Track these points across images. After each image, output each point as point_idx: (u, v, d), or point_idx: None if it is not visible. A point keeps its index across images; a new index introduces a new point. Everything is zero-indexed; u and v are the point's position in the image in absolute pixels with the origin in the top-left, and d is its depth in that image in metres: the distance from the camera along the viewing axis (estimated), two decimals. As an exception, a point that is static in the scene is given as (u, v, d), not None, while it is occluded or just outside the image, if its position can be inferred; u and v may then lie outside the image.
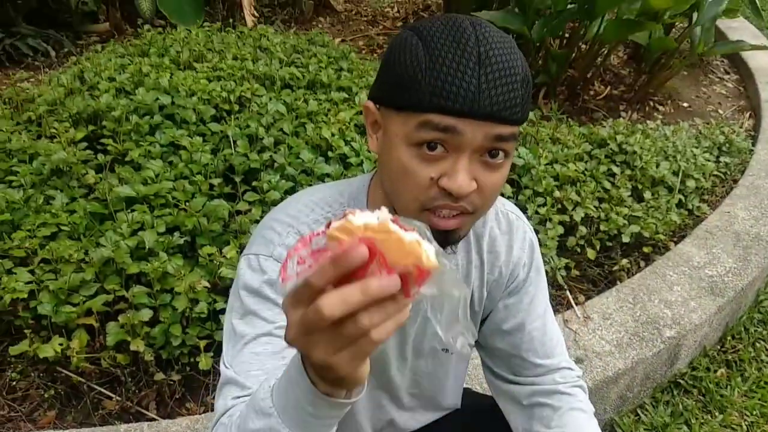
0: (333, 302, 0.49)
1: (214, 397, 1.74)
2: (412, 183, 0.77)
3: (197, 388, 1.77)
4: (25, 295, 1.66)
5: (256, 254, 0.87)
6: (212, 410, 1.70)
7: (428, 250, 0.49)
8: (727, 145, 3.03)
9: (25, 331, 1.65)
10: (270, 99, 2.51)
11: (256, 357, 0.81)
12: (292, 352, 0.78)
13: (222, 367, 0.83)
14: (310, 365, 0.58)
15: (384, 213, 0.51)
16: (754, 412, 2.09)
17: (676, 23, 3.92)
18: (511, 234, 1.03)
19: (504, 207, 1.04)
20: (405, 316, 0.52)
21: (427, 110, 0.73)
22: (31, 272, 1.73)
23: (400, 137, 0.76)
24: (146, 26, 3.29)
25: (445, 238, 0.80)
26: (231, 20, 3.79)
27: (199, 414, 1.69)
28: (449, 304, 0.54)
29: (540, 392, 1.05)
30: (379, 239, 0.49)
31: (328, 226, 0.50)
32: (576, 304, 2.08)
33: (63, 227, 1.86)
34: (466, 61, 0.72)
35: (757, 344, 2.36)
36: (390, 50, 0.79)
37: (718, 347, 2.33)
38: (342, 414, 0.64)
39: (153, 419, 1.66)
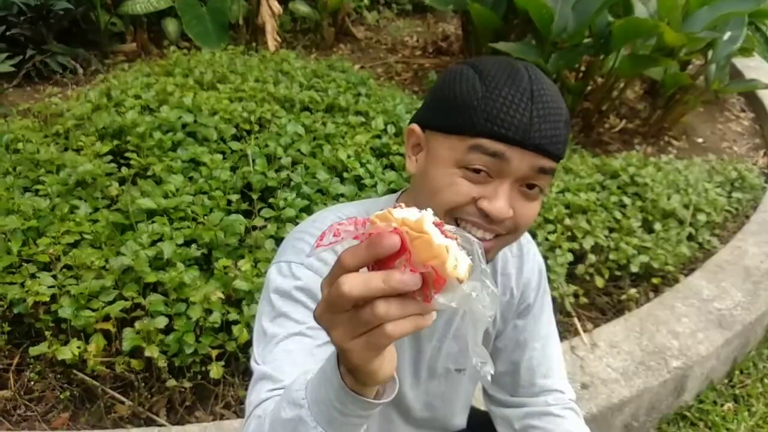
0: (354, 281, 0.52)
1: (224, 407, 1.78)
2: (452, 197, 0.81)
3: (207, 397, 1.80)
4: (47, 299, 1.72)
5: (287, 261, 0.91)
6: (221, 419, 1.75)
7: (459, 260, 0.51)
8: (740, 180, 3.05)
9: (45, 333, 1.70)
10: (289, 120, 2.59)
11: (288, 354, 0.84)
12: (324, 351, 0.84)
13: (253, 364, 0.86)
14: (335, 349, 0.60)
15: (427, 212, 0.53)
16: (761, 448, 2.08)
17: (693, 60, 3.98)
18: (521, 257, 1.08)
19: None
20: (425, 323, 0.54)
21: (480, 134, 0.79)
22: (54, 277, 1.79)
23: (448, 158, 0.82)
24: (172, 47, 3.41)
25: None
26: (254, 44, 3.91)
27: (208, 422, 1.72)
28: (473, 326, 0.56)
29: (531, 414, 1.09)
30: (411, 236, 0.51)
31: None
32: (584, 332, 2.10)
33: (86, 236, 1.93)
34: (521, 95, 0.79)
35: (766, 380, 2.35)
36: (443, 80, 0.85)
37: (726, 381, 2.32)
38: (368, 416, 0.65)
39: (163, 425, 1.70)
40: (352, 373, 0.60)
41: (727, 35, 3.18)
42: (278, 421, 0.69)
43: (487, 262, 0.87)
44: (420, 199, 0.86)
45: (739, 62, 4.68)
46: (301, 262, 0.90)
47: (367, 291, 0.51)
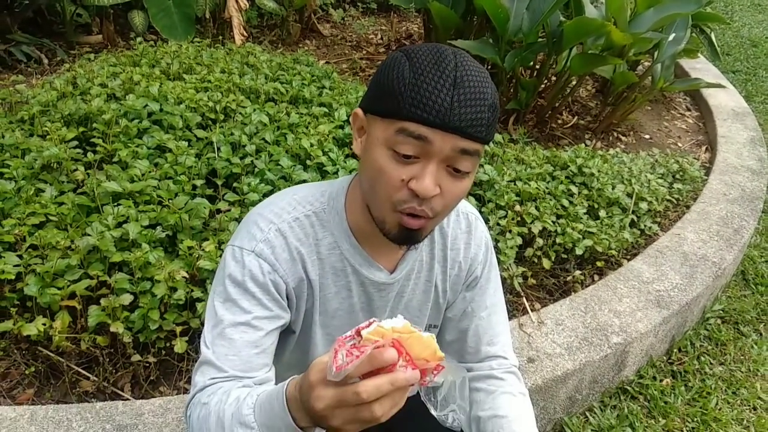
0: (369, 389, 0.66)
1: (187, 382, 1.85)
2: (385, 182, 0.89)
3: (171, 373, 1.87)
4: (13, 277, 1.76)
5: (240, 247, 0.99)
6: (184, 393, 1.81)
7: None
8: (681, 173, 3.24)
9: (11, 310, 1.74)
10: (254, 110, 2.66)
11: (233, 344, 0.94)
12: (267, 339, 0.97)
13: (203, 346, 0.96)
14: (316, 422, 0.74)
15: (401, 319, 0.68)
16: (695, 419, 2.24)
17: (642, 61, 4.18)
18: (470, 233, 1.17)
19: (465, 208, 1.18)
20: (403, 401, 0.69)
21: (406, 118, 0.86)
22: (19, 257, 1.83)
23: (381, 140, 0.89)
24: (138, 39, 3.44)
25: (410, 237, 0.94)
26: (221, 38, 3.96)
27: (172, 396, 1.78)
28: (445, 386, 0.73)
29: (476, 377, 1.19)
30: (404, 338, 0.66)
31: (357, 333, 0.68)
32: (531, 311, 2.23)
33: (51, 217, 1.97)
34: (444, 81, 0.86)
35: (702, 358, 2.52)
36: (382, 66, 0.93)
37: (665, 358, 2.48)
38: None
39: (127, 400, 1.76)
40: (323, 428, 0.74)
41: (671, 36, 3.37)
42: None
43: (420, 240, 0.97)
44: (364, 185, 0.95)
45: (686, 64, 4.93)
46: (252, 249, 0.98)
47: (379, 394, 0.66)
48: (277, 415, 0.77)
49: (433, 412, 0.73)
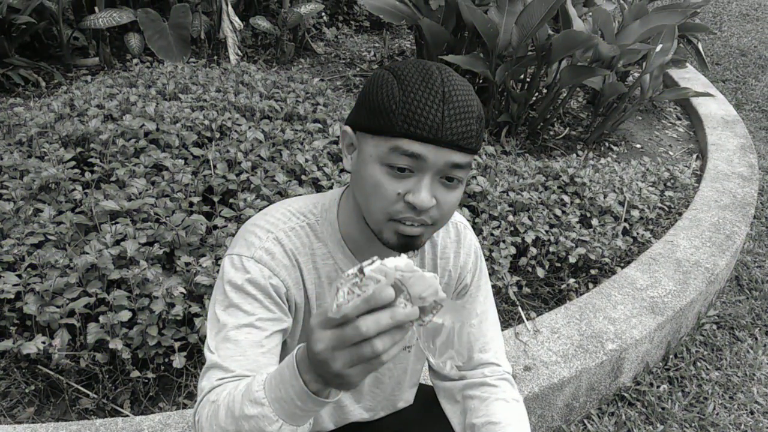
0: (368, 322, 0.65)
1: (186, 397, 1.87)
2: (381, 196, 0.91)
3: (169, 388, 1.88)
4: (12, 296, 1.78)
5: (239, 255, 1.01)
6: (183, 408, 1.83)
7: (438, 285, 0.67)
8: (672, 180, 3.28)
9: (11, 329, 1.76)
10: (249, 128, 2.70)
11: (238, 345, 0.94)
12: (271, 341, 0.97)
13: (207, 352, 0.96)
14: (321, 374, 0.71)
15: (404, 258, 0.67)
16: (693, 424, 2.25)
17: (631, 71, 4.24)
18: (459, 242, 1.19)
19: (453, 217, 1.20)
20: (405, 342, 0.68)
21: (398, 135, 0.88)
22: (19, 276, 1.85)
23: (374, 157, 0.92)
24: (135, 61, 3.49)
25: (409, 243, 0.95)
26: (216, 58, 4.02)
27: (171, 411, 1.79)
28: (445, 331, 0.70)
29: (470, 385, 1.20)
30: (406, 277, 0.65)
31: (360, 270, 0.66)
32: (527, 320, 2.25)
33: (50, 237, 2.00)
34: (433, 97, 0.88)
35: (698, 363, 2.54)
36: (368, 85, 0.95)
37: (662, 364, 2.50)
38: (323, 408, 0.79)
39: (127, 416, 1.77)
40: (331, 385, 0.73)
41: (658, 47, 3.42)
42: (242, 417, 0.80)
43: (419, 246, 0.97)
44: (359, 198, 0.97)
45: (676, 74, 5.00)
46: (251, 255, 1.00)
47: (379, 328, 0.64)
48: (288, 381, 0.76)
49: (431, 359, 0.70)
